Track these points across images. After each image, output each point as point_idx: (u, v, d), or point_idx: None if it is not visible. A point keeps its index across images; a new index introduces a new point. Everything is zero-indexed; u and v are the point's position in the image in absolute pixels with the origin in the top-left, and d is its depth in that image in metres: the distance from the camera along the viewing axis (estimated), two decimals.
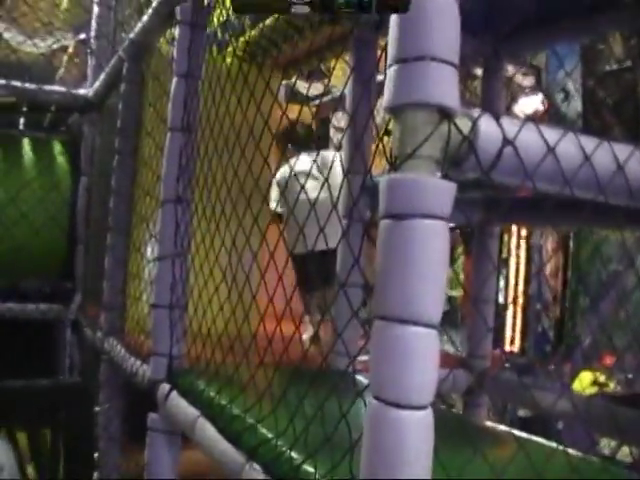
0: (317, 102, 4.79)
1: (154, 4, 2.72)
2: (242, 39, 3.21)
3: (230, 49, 3.18)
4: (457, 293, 11.52)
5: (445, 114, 1.08)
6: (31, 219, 4.50)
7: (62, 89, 4.58)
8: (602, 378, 6.04)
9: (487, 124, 1.12)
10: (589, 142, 1.26)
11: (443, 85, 1.07)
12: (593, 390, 5.47)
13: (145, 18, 2.90)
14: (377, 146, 1.33)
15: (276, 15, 2.98)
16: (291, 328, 1.92)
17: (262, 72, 3.08)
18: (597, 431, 2.99)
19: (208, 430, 1.75)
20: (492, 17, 2.58)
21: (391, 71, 1.09)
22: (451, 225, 1.09)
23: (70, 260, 4.65)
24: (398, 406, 1.04)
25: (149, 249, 3.10)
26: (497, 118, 1.15)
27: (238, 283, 2.19)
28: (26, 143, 4.82)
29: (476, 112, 1.13)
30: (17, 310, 4.44)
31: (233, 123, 2.44)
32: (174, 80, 2.30)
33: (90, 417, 2.97)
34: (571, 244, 7.60)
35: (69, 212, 4.66)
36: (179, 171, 2.23)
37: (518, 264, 6.94)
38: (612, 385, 5.96)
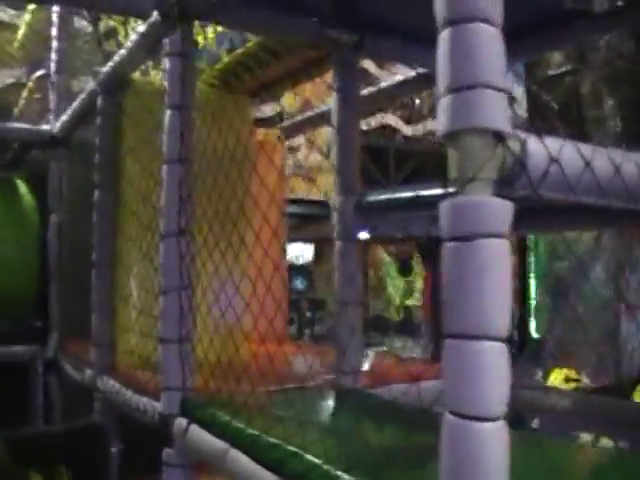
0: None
1: (135, 37, 2.71)
2: (217, 66, 3.23)
3: (203, 77, 3.20)
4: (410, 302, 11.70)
5: (499, 137, 1.12)
6: (1, 260, 4.42)
7: (26, 126, 4.52)
8: (573, 374, 6.17)
9: (534, 144, 1.17)
10: (617, 154, 1.32)
11: (495, 110, 1.11)
12: (569, 386, 5.59)
13: (123, 51, 2.89)
14: None
15: (253, 40, 3.02)
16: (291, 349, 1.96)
17: (236, 98, 3.12)
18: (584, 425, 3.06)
19: (242, 461, 1.75)
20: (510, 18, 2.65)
21: (445, 100, 1.13)
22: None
23: (42, 299, 4.57)
24: (476, 419, 1.07)
25: (132, 283, 3.09)
26: (541, 138, 1.19)
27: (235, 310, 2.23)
28: None
29: (523, 134, 1.16)
30: None
31: (213, 151, 2.47)
32: (167, 112, 2.31)
33: (106, 458, 2.93)
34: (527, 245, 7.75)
35: (39, 250, 4.58)
36: (179, 203, 2.23)
37: None
38: (584, 380, 6.10)
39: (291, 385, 2.46)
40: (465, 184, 1.11)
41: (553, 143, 1.20)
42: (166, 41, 2.35)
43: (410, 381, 2.12)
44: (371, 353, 2.99)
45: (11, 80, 5.27)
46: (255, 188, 2.32)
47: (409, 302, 11.53)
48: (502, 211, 1.10)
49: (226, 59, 3.19)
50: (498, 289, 1.09)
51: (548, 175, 1.18)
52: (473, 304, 1.09)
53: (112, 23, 4.31)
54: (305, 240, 9.92)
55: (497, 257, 1.09)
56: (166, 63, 2.34)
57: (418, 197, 2.20)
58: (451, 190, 1.15)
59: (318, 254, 11.67)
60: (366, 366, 2.93)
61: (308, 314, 10.34)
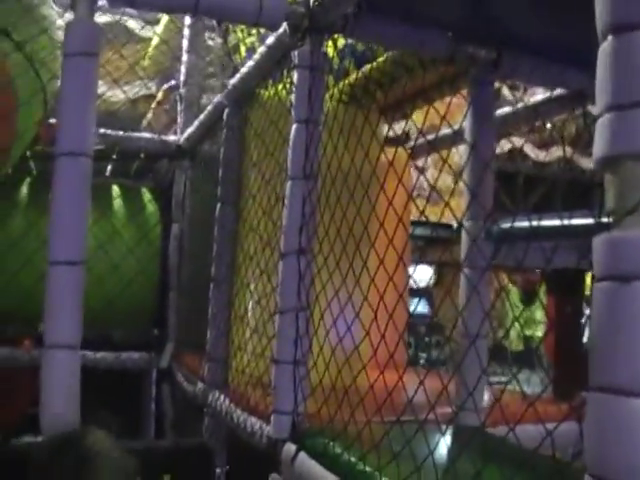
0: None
1: (262, 50, 2.66)
2: (346, 82, 3.15)
3: (332, 92, 3.12)
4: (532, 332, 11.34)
5: None
6: (122, 268, 4.46)
7: (152, 136, 4.57)
8: None
9: None
10: None
11: None
12: None
13: (250, 63, 2.84)
14: None
15: (385, 56, 2.92)
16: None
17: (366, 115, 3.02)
18: None
19: None
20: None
21: (604, 119, 0.99)
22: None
23: (161, 308, 4.60)
24: None
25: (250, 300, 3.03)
26: None
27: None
28: (115, 191, 4.80)
29: None
30: (110, 359, 4.39)
31: (340, 168, 2.37)
32: (294, 127, 2.23)
33: (211, 477, 2.89)
34: None
35: (159, 260, 4.62)
36: (302, 221, 2.15)
37: None
38: None
39: (408, 418, 2.33)
40: (624, 217, 0.97)
41: None
42: (295, 54, 2.28)
43: (535, 422, 1.96)
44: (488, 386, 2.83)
45: (142, 92, 5.34)
46: (382, 208, 2.21)
47: (530, 332, 11.20)
48: None
49: (355, 74, 3.11)
50: None
51: None
52: (628, 356, 0.94)
53: (240, 36, 4.28)
54: (426, 263, 9.76)
55: None
56: (295, 76, 2.27)
57: (563, 227, 2.06)
58: (605, 221, 1.01)
59: (439, 277, 11.45)
60: (485, 399, 2.77)
61: (426, 339, 10.14)
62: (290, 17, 2.27)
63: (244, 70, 2.93)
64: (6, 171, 3.63)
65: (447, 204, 1.67)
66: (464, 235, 2.56)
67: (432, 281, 11.57)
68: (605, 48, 1.01)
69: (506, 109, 3.20)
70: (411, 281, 6.79)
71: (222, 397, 2.87)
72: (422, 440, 1.93)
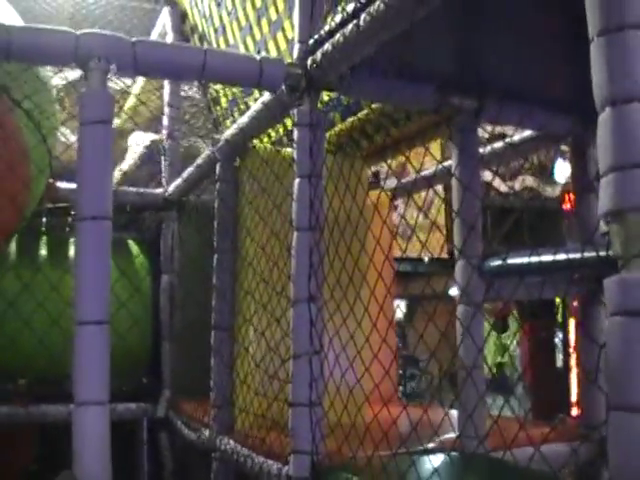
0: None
1: (258, 107, 2.81)
2: (332, 132, 3.31)
3: None
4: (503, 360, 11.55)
5: None
6: (115, 321, 4.54)
7: (140, 190, 4.69)
8: None
9: None
10: None
11: None
12: None
13: (244, 119, 2.99)
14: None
15: (370, 107, 3.09)
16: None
17: (352, 162, 3.19)
18: None
19: None
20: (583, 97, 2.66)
21: (607, 179, 1.15)
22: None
23: (154, 358, 4.68)
24: None
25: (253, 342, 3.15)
26: None
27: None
28: None
29: None
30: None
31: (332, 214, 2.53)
32: (297, 181, 2.38)
33: None
34: None
35: (151, 310, 4.71)
36: (310, 269, 2.29)
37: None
38: None
39: (414, 448, 2.45)
40: (630, 261, 1.12)
41: None
42: (294, 112, 2.43)
43: (530, 444, 2.10)
44: None
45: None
46: (370, 248, 2.36)
47: (503, 359, 11.44)
48: None
49: (342, 125, 3.27)
50: None
51: None
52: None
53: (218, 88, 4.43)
54: (398, 297, 9.95)
55: None
56: (295, 133, 2.42)
57: (553, 262, 2.22)
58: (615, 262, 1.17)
59: (410, 311, 11.64)
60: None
61: (400, 371, 10.31)
62: (289, 79, 2.43)
63: (238, 125, 3.07)
64: (24, 224, 3.74)
65: (425, 241, 1.82)
66: (457, 271, 2.71)
67: (403, 315, 11.79)
68: (604, 117, 1.18)
69: (487, 148, 3.38)
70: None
71: (232, 442, 2.97)
72: (435, 469, 2.07)
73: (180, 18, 4.77)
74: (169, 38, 4.78)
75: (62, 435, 2.43)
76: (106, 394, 2.17)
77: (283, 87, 2.47)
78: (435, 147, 6.76)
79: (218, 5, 4.17)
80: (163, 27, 4.93)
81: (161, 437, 4.52)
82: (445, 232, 7.42)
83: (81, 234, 2.17)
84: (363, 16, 2.09)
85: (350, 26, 2.16)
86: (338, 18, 2.23)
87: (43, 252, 4.49)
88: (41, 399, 4.20)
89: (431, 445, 2.58)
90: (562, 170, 10.37)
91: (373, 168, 5.51)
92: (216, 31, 4.23)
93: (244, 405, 3.10)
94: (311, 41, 2.40)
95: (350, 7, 2.17)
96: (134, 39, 2.26)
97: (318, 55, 2.35)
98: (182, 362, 4.39)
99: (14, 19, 3.53)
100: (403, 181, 4.73)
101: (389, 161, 3.70)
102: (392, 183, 4.86)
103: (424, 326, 2.38)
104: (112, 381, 4.66)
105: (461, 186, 2.73)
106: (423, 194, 5.97)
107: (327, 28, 2.31)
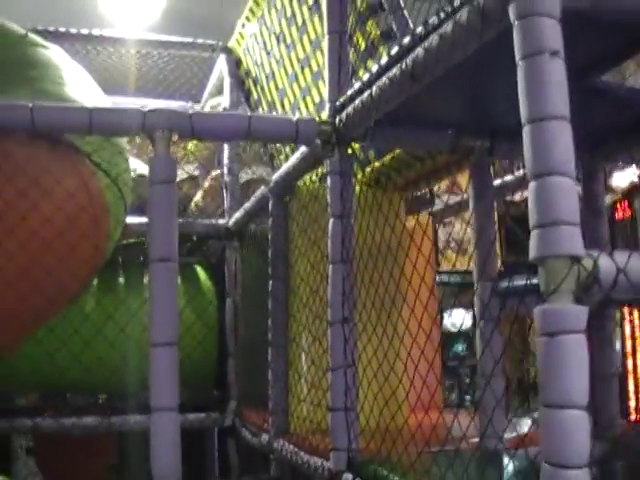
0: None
1: (297, 156, 3.28)
2: (369, 169, 3.74)
3: (359, 177, 3.73)
4: None
5: (575, 259, 1.54)
6: (185, 339, 5.03)
7: (204, 221, 5.20)
8: None
9: (604, 260, 1.57)
10: None
11: (571, 240, 1.54)
12: None
13: (289, 164, 3.46)
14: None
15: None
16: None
17: (388, 195, 3.62)
18: None
19: None
20: (588, 127, 3.04)
21: (534, 233, 1.57)
22: None
23: (221, 371, 5.17)
24: (565, 467, 1.47)
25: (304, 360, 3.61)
26: (611, 253, 1.60)
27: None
28: None
29: (596, 252, 1.57)
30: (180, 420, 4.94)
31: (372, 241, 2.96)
32: (331, 221, 2.82)
33: None
34: None
35: (218, 328, 5.20)
36: (343, 296, 2.73)
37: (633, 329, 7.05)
38: None
39: (442, 448, 2.85)
40: (550, 295, 1.53)
41: (620, 257, 1.59)
42: (327, 162, 2.88)
43: None
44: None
45: (185, 175, 5.97)
46: (408, 271, 2.74)
47: None
48: (578, 314, 1.52)
49: (377, 163, 3.70)
50: (578, 370, 1.50)
51: (618, 282, 1.58)
52: (561, 382, 1.50)
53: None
54: (465, 307, 10.22)
55: (576, 347, 1.50)
56: (328, 180, 2.87)
57: None
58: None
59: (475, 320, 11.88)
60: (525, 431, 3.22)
61: (467, 380, 10.49)
62: (321, 135, 2.88)
63: (283, 169, 3.55)
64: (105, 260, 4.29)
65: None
66: (476, 290, 3.11)
67: (470, 324, 11.99)
68: (531, 187, 1.59)
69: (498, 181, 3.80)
70: (450, 326, 7.31)
71: (286, 443, 3.42)
72: (455, 464, 2.46)
73: (235, 64, 5.28)
74: (226, 82, 5.29)
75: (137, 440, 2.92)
76: (176, 402, 2.65)
77: (317, 142, 2.92)
78: None
79: (268, 54, 4.66)
80: (220, 72, 5.45)
81: (229, 443, 5.01)
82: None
83: (153, 273, 2.66)
84: (383, 79, 2.49)
85: (373, 88, 2.57)
86: (359, 84, 2.67)
87: (123, 282, 5.04)
88: (120, 411, 4.77)
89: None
90: (616, 179, 10.57)
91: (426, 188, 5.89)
92: (267, 77, 4.71)
93: (295, 411, 3.56)
94: (339, 102, 2.85)
95: (374, 68, 2.59)
96: (191, 111, 2.76)
97: (345, 113, 2.79)
98: (245, 375, 4.88)
99: (91, 88, 4.08)
100: (453, 200, 5.15)
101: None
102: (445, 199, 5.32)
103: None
104: (185, 394, 5.21)
105: (477, 217, 3.14)
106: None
107: (351, 91, 2.75)
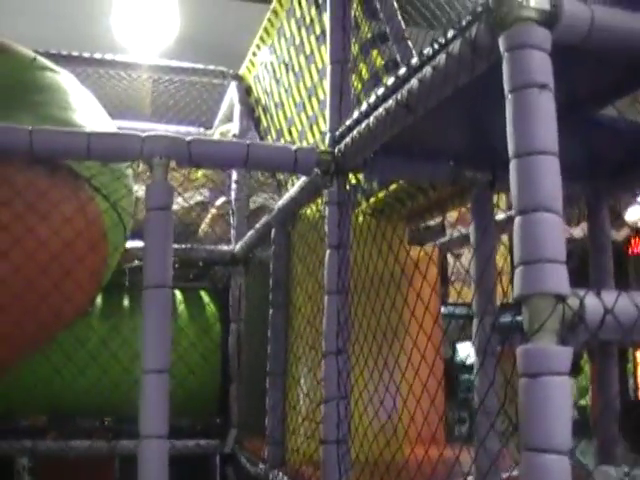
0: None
1: (300, 183, 3.26)
2: (372, 200, 3.72)
3: (363, 208, 3.71)
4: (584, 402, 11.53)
5: (560, 298, 1.51)
6: (186, 362, 5.01)
7: (210, 247, 5.20)
8: None
9: (591, 299, 1.53)
10: None
11: (556, 278, 1.50)
12: None
13: (291, 192, 3.44)
14: None
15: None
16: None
17: (392, 225, 3.59)
18: None
19: None
20: (592, 163, 3.02)
21: (518, 270, 1.54)
22: None
23: (223, 398, 5.14)
24: None
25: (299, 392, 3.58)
26: (599, 293, 1.56)
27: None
28: (177, 296, 5.40)
29: (582, 291, 1.54)
30: (179, 446, 4.90)
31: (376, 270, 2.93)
32: (328, 251, 2.80)
33: None
34: None
35: (220, 355, 5.18)
36: (337, 327, 2.70)
37: None
38: None
39: None
40: (534, 334, 1.50)
41: (608, 296, 1.56)
42: (325, 192, 2.87)
43: None
44: None
45: (194, 200, 5.98)
46: (411, 300, 2.71)
47: (584, 402, 11.39)
48: (562, 355, 1.48)
49: (380, 194, 3.68)
50: (560, 412, 1.46)
51: (605, 323, 1.54)
52: (542, 426, 1.46)
53: None
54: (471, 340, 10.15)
55: (559, 389, 1.47)
56: (325, 210, 2.85)
57: None
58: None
59: None
60: None
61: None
62: (320, 165, 2.86)
63: (286, 198, 3.54)
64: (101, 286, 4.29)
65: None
66: (474, 326, 3.07)
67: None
68: (516, 223, 1.56)
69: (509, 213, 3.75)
70: (461, 357, 7.25)
71: (281, 474, 3.38)
72: None
73: (245, 92, 5.30)
74: (236, 109, 5.32)
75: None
76: (166, 429, 2.61)
77: (316, 171, 2.90)
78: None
79: (277, 82, 4.67)
80: (231, 99, 5.48)
81: (228, 471, 4.97)
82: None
83: (147, 299, 2.64)
84: (380, 110, 2.49)
85: (370, 118, 2.56)
86: (357, 114, 2.66)
87: (124, 305, 5.04)
88: (121, 435, 4.74)
89: None
90: (631, 214, 10.46)
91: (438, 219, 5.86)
92: (276, 105, 4.72)
93: (292, 444, 3.52)
94: (338, 132, 2.84)
95: (371, 99, 2.58)
96: (189, 138, 2.75)
97: (343, 144, 2.78)
98: (247, 403, 4.85)
99: (98, 113, 4.09)
100: (464, 231, 5.11)
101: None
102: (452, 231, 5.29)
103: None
104: (186, 419, 5.17)
105: (479, 251, 3.10)
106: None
107: (349, 121, 2.74)
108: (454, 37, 1.88)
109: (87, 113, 3.92)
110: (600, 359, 3.36)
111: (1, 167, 3.18)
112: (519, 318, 2.84)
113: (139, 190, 4.35)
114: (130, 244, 4.34)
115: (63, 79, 4.13)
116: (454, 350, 8.26)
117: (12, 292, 3.26)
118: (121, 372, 4.67)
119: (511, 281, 1.59)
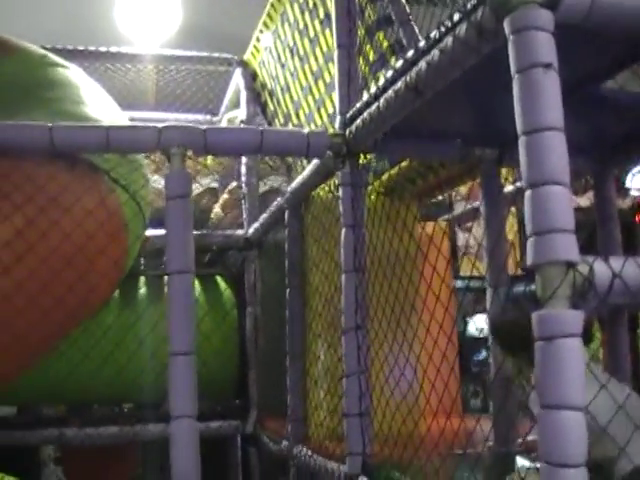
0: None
1: (310, 168, 3.34)
2: (383, 178, 3.81)
3: (375, 186, 3.79)
4: None
5: (570, 265, 1.59)
6: (205, 349, 5.09)
7: (223, 232, 5.29)
8: None
9: (600, 265, 1.62)
10: None
11: (567, 247, 1.59)
12: None
13: (303, 175, 3.52)
14: None
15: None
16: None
17: (405, 202, 3.67)
18: None
19: None
20: (594, 135, 3.09)
21: (530, 240, 1.62)
22: None
23: (242, 380, 5.24)
24: (563, 466, 1.52)
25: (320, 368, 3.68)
26: (607, 259, 1.65)
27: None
28: (195, 281, 5.47)
29: (591, 258, 1.62)
30: (201, 428, 5.00)
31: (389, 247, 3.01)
32: (343, 230, 2.88)
33: None
34: None
35: (238, 338, 5.26)
36: (356, 304, 2.79)
37: None
38: None
39: (455, 452, 2.90)
40: (547, 300, 1.59)
41: (616, 262, 1.64)
42: (339, 174, 2.95)
43: None
44: None
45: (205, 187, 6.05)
46: (427, 274, 2.79)
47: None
48: (574, 319, 1.57)
49: (391, 172, 3.76)
50: (574, 371, 1.55)
51: (613, 288, 1.63)
52: (559, 384, 1.55)
53: None
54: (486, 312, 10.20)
55: (573, 351, 1.56)
56: (340, 191, 2.93)
57: None
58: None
59: None
60: None
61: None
62: (332, 147, 2.94)
63: (298, 181, 3.62)
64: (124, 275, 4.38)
65: None
66: (488, 296, 3.16)
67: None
68: (527, 195, 1.64)
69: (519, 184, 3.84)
70: (474, 331, 7.33)
71: (305, 449, 3.49)
72: (465, 466, 2.52)
73: (251, 77, 5.37)
74: (242, 95, 5.38)
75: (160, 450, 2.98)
76: (195, 409, 2.72)
77: (328, 154, 2.98)
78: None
79: (282, 66, 4.74)
80: (237, 86, 5.55)
81: (250, 451, 5.08)
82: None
83: (170, 284, 2.74)
84: (389, 92, 2.56)
85: (380, 100, 2.63)
86: (367, 97, 2.74)
87: (143, 292, 5.11)
88: (143, 420, 4.85)
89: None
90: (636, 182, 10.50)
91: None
92: (282, 89, 4.79)
93: (312, 418, 3.63)
94: (348, 114, 2.91)
95: (381, 82, 2.65)
96: (205, 127, 2.84)
97: (354, 126, 2.86)
98: (266, 384, 4.95)
99: (109, 105, 4.18)
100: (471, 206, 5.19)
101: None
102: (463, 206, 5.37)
103: None
104: (207, 402, 5.28)
105: (489, 224, 3.19)
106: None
107: (360, 104, 2.82)
108: (460, 20, 1.96)
109: (99, 106, 4.00)
110: (610, 328, 3.46)
111: (23, 164, 3.28)
112: (532, 287, 2.94)
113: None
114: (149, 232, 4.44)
115: (73, 74, 4.21)
116: (465, 324, 8.32)
117: (41, 283, 3.36)
118: (126, 360, 4.73)
119: (522, 253, 1.66)
